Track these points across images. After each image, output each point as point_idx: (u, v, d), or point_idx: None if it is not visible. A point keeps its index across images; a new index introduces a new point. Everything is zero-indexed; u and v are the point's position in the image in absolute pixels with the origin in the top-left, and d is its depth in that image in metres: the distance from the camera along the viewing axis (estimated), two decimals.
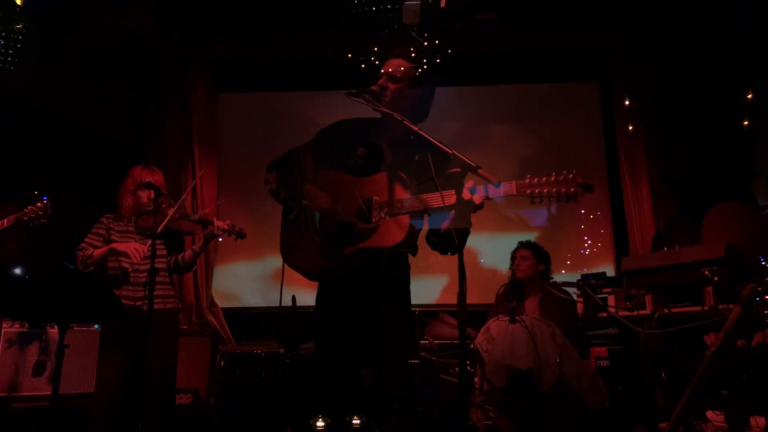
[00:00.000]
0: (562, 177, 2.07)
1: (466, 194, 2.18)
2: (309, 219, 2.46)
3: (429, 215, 2.35)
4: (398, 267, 2.49)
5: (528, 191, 2.11)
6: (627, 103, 5.35)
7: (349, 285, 2.44)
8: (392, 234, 2.31)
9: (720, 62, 5.25)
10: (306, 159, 2.59)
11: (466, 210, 2.19)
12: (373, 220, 2.35)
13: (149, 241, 3.15)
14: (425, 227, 2.45)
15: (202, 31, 5.55)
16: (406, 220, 2.32)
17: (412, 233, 2.36)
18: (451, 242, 2.30)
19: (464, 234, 2.25)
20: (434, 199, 2.26)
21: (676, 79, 5.38)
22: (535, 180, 2.11)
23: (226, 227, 3.22)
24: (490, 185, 2.17)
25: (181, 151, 5.56)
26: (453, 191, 2.20)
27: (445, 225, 2.31)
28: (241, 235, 3.27)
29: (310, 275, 2.52)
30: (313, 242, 2.43)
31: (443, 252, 2.44)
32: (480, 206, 2.20)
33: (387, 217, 2.32)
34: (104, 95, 5.42)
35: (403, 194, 2.34)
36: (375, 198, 2.37)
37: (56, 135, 4.94)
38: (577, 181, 2.05)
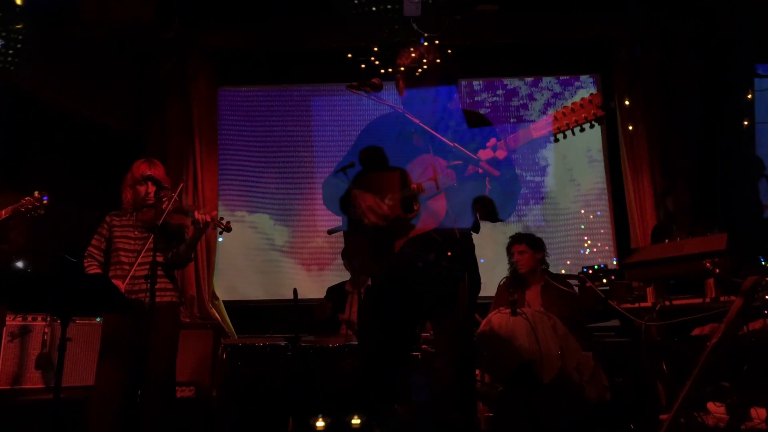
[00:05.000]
0: (579, 103, 2.02)
1: (488, 153, 2.14)
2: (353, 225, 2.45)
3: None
4: (458, 251, 2.32)
5: (548, 130, 2.06)
6: (627, 103, 5.33)
7: (401, 280, 2.37)
8: (433, 216, 2.28)
9: (723, 54, 5.24)
10: (350, 165, 2.54)
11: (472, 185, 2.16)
12: (414, 207, 2.33)
13: (142, 250, 3.21)
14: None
15: (203, 23, 5.52)
16: (443, 200, 2.27)
17: (452, 213, 2.27)
18: (492, 211, 2.31)
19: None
20: (450, 176, 2.23)
21: (678, 70, 5.36)
22: (552, 116, 2.06)
23: (209, 221, 3.21)
24: (510, 138, 2.13)
25: (181, 143, 5.55)
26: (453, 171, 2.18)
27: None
28: (227, 229, 3.26)
29: (370, 275, 2.52)
30: (361, 245, 2.43)
31: (492, 221, 2.42)
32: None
33: (425, 202, 2.30)
34: (105, 87, 5.40)
35: (431, 176, 2.30)
36: (412, 186, 2.35)
37: (57, 126, 4.94)
38: (596, 102, 2.00)
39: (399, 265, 2.35)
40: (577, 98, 2.07)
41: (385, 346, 2.41)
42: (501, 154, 2.13)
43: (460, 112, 2.53)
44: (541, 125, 2.08)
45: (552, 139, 2.08)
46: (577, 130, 2.05)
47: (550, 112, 2.09)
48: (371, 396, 2.42)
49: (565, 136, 2.06)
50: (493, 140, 2.16)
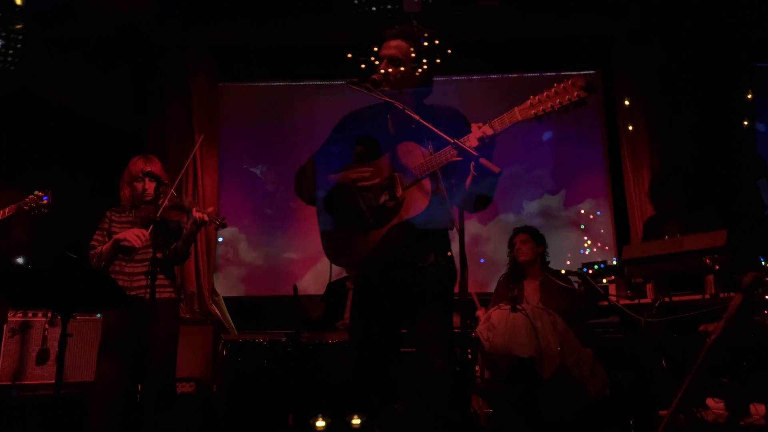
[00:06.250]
0: (562, 86, 2.04)
1: (476, 132, 2.15)
2: (330, 219, 2.44)
3: (453, 182, 2.29)
4: (437, 245, 2.40)
5: (533, 112, 2.08)
6: (627, 103, 5.34)
7: (387, 270, 2.37)
8: (417, 203, 2.28)
9: (723, 54, 5.24)
10: (324, 159, 2.53)
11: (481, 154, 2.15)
12: (397, 195, 2.33)
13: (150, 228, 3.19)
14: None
15: (203, 17, 5.52)
16: (427, 186, 2.28)
17: (438, 201, 2.28)
18: (475, 198, 2.29)
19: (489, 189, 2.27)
20: (440, 156, 2.23)
21: (678, 69, 5.35)
22: (536, 99, 2.08)
23: (205, 218, 3.21)
24: (495, 120, 2.15)
25: (182, 139, 5.55)
26: (450, 146, 2.17)
27: (468, 181, 2.24)
28: (222, 225, 3.26)
29: (351, 267, 2.51)
30: (341, 238, 2.42)
31: (472, 210, 2.40)
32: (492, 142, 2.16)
33: (408, 189, 2.30)
34: (105, 82, 5.41)
35: (417, 162, 2.31)
36: (395, 174, 2.35)
37: (58, 122, 4.94)
38: (578, 84, 2.02)
39: (384, 262, 2.35)
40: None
41: (372, 344, 2.41)
42: (487, 131, 2.14)
43: (437, 107, 2.51)
44: (525, 107, 2.10)
45: (537, 122, 2.11)
46: (561, 111, 2.06)
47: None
48: (364, 394, 2.42)
49: (549, 118, 2.08)
50: (479, 123, 2.17)
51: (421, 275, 2.34)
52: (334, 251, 2.47)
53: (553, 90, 2.05)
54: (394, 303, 2.38)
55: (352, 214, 2.38)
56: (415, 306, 2.36)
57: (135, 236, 3.19)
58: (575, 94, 2.01)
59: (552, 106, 2.04)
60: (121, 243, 3.21)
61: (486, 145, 2.15)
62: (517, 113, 2.12)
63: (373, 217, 2.34)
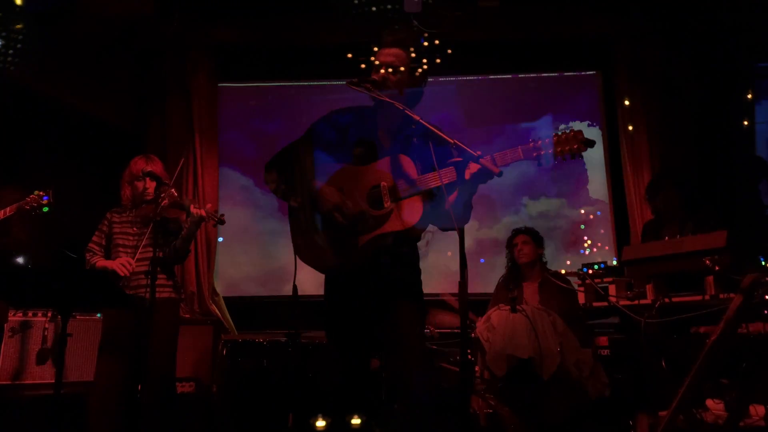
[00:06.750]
0: (564, 135, 2.15)
1: (474, 166, 2.17)
2: (310, 218, 2.44)
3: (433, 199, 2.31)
4: (412, 251, 2.45)
5: (534, 154, 2.18)
6: (627, 103, 5.34)
7: (364, 275, 2.37)
8: (408, 216, 2.29)
9: (723, 53, 5.24)
10: (302, 154, 2.51)
11: (475, 183, 2.22)
12: (385, 205, 2.33)
13: (140, 246, 3.24)
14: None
15: (203, 17, 5.51)
16: (418, 200, 2.29)
17: (426, 213, 2.32)
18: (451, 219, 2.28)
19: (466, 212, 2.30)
20: (437, 178, 2.25)
21: (679, 68, 5.35)
22: (539, 142, 2.18)
23: (203, 214, 3.22)
24: (498, 154, 2.20)
25: (181, 139, 5.55)
26: (453, 168, 2.21)
27: (451, 198, 2.26)
28: (220, 221, 3.27)
29: (325, 270, 2.52)
30: (320, 240, 2.42)
31: (444, 229, 2.42)
32: (490, 175, 2.19)
33: (399, 201, 2.30)
34: (105, 82, 5.40)
35: (409, 177, 2.32)
36: (383, 183, 2.34)
37: (57, 122, 4.94)
38: (579, 137, 2.14)
39: (361, 268, 2.35)
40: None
41: (348, 344, 2.44)
42: (486, 165, 2.16)
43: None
44: (527, 148, 2.20)
45: (536, 163, 2.22)
46: (560, 158, 2.20)
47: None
48: (350, 393, 2.43)
49: (548, 163, 2.22)
50: (478, 152, 2.17)
51: (392, 281, 2.35)
52: (309, 252, 2.49)
53: (554, 138, 2.17)
54: (366, 306, 2.39)
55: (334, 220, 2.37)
56: (387, 310, 2.36)
57: (120, 266, 3.22)
58: (575, 146, 2.15)
59: (552, 152, 2.17)
60: (118, 251, 3.25)
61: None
62: (521, 152, 2.20)
63: (355, 224, 2.34)
